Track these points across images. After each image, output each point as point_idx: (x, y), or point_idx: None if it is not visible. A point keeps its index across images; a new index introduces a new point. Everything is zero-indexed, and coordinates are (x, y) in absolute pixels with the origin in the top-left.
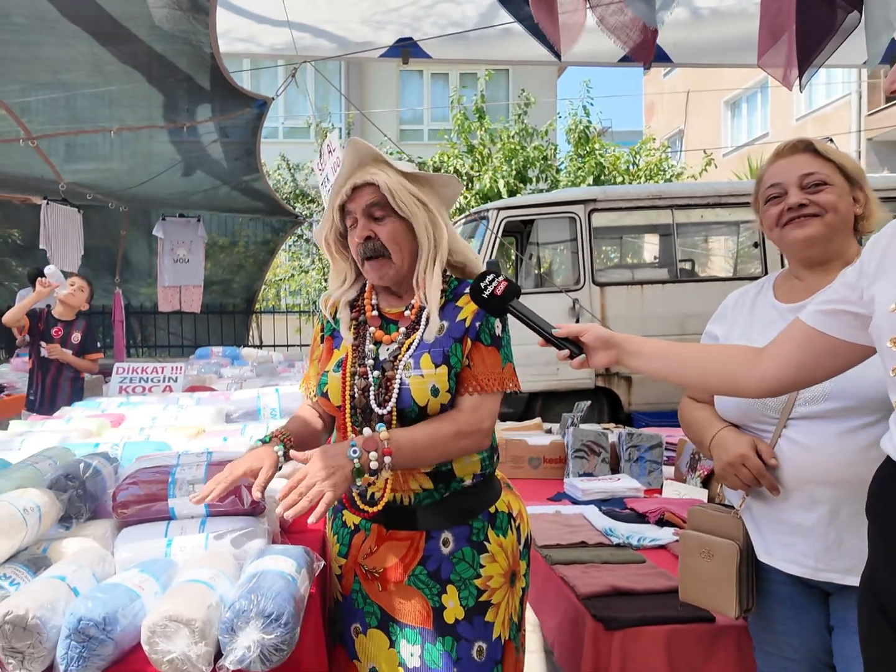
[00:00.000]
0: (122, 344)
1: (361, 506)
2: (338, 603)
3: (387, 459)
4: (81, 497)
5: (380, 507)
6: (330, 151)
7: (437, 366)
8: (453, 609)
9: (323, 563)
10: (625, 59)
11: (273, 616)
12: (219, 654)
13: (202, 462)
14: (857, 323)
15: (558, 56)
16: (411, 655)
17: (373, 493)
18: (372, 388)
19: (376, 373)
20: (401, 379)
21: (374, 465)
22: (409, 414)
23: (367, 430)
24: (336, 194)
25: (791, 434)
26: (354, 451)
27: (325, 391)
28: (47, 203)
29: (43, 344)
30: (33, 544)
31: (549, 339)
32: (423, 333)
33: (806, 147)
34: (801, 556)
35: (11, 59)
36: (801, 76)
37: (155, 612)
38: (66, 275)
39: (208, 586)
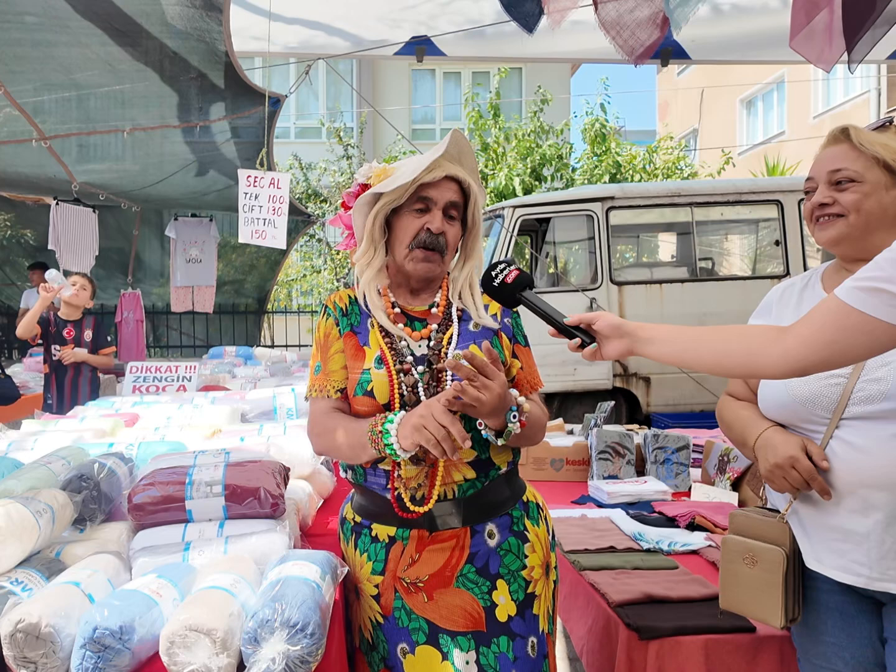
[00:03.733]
0: (143, 344)
1: (412, 507)
2: (377, 626)
3: (527, 406)
4: (96, 498)
5: (430, 505)
6: (273, 185)
7: None
8: (505, 605)
9: (347, 568)
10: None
11: (299, 626)
12: (241, 666)
13: (220, 462)
14: None
15: (529, 31)
16: (467, 664)
17: (414, 495)
18: (420, 384)
19: (420, 367)
20: None
21: (526, 406)
22: None
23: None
24: (425, 171)
25: (844, 435)
26: (515, 416)
27: (369, 389)
28: (57, 204)
29: (56, 348)
30: (46, 548)
31: (561, 329)
32: (458, 327)
33: (845, 137)
34: (854, 564)
35: (25, 59)
36: (849, 54)
37: (174, 620)
38: (67, 274)
39: (229, 593)
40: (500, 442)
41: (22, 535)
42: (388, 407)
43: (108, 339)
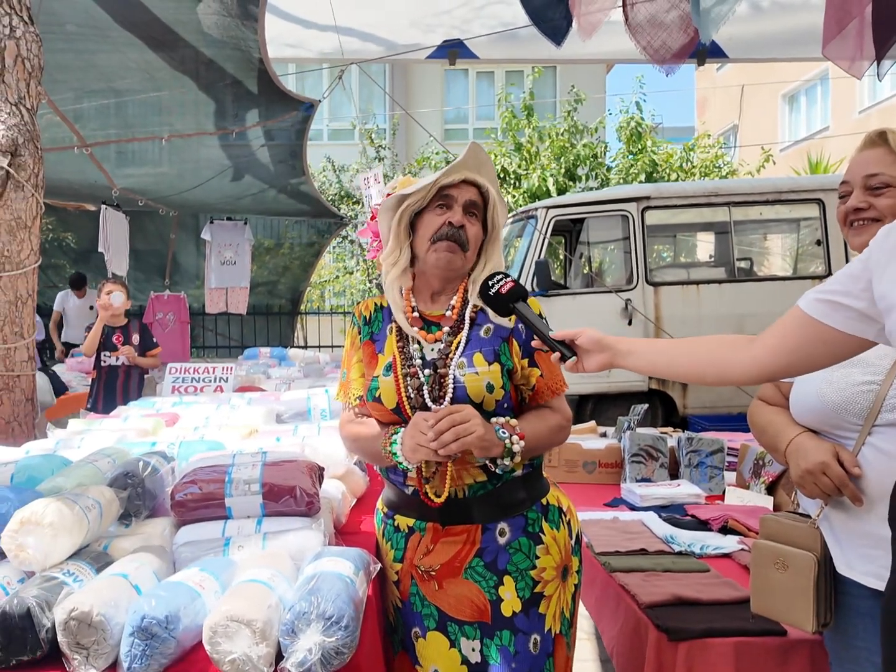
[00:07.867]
0: (188, 345)
1: (432, 496)
2: (397, 609)
3: (521, 444)
4: (140, 495)
5: (443, 498)
6: (374, 181)
7: (489, 363)
8: (510, 601)
9: (379, 565)
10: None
11: (333, 619)
12: (279, 657)
13: (257, 462)
14: (853, 315)
15: (557, 44)
16: (472, 651)
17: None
18: (425, 387)
19: (427, 371)
20: (454, 377)
21: (515, 447)
22: None
23: (496, 419)
24: (445, 174)
25: (876, 442)
26: (504, 433)
27: (377, 396)
28: (106, 208)
29: (107, 355)
30: (94, 541)
31: (545, 341)
32: (468, 332)
33: (882, 141)
34: (884, 570)
35: (66, 67)
36: (878, 63)
37: (217, 611)
38: (96, 282)
39: (268, 586)
40: (498, 469)
41: (73, 529)
42: (397, 411)
43: (154, 340)
